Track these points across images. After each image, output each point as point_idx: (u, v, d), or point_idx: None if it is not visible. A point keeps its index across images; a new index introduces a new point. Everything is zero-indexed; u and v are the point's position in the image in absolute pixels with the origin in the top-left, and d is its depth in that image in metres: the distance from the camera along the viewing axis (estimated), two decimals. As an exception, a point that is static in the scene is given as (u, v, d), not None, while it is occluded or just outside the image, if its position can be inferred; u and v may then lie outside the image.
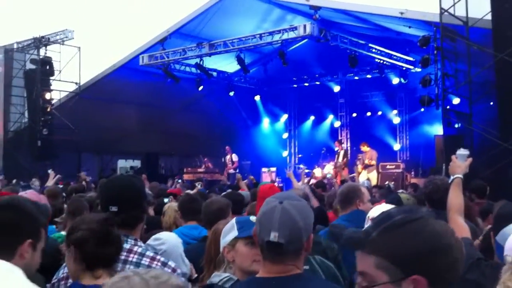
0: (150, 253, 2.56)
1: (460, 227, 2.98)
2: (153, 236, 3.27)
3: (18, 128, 19.94)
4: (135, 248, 2.54)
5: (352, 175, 14.65)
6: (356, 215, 4.22)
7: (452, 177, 3.35)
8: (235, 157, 19.08)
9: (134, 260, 2.49)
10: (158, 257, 2.55)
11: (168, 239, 3.20)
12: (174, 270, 2.51)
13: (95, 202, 5.22)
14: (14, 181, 13.90)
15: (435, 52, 12.87)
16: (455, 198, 3.21)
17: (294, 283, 1.96)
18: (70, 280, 2.48)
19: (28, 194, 4.49)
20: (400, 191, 7.77)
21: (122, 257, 2.50)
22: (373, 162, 16.67)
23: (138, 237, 2.66)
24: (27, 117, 19.68)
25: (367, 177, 15.54)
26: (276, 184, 12.68)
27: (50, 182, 9.47)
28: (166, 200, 7.48)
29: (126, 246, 2.55)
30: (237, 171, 18.42)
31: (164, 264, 2.52)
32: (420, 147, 18.37)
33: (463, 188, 3.32)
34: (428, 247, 1.26)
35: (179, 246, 3.24)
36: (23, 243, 2.14)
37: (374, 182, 15.15)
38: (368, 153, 16.86)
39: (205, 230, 4.06)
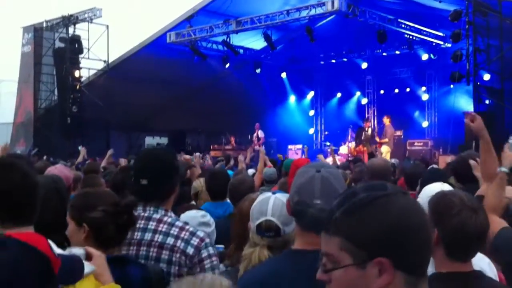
0: (179, 223, 2.58)
1: (496, 223, 2.68)
2: (201, 213, 3.27)
3: (48, 106, 20.27)
4: (165, 219, 2.57)
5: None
6: None
7: (497, 170, 2.99)
8: (261, 134, 19.06)
9: (164, 230, 2.52)
10: (187, 227, 2.57)
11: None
12: (202, 240, 2.53)
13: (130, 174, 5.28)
14: (44, 157, 14.20)
15: (467, 26, 12.57)
16: (494, 197, 2.82)
17: None
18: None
19: (58, 168, 4.63)
20: (434, 166, 7.52)
21: (152, 227, 2.55)
22: (386, 140, 16.44)
23: (169, 208, 2.68)
24: (57, 95, 19.99)
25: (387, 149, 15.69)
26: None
27: (80, 159, 9.67)
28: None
29: (156, 216, 2.58)
30: (263, 147, 18.43)
31: (193, 234, 2.54)
32: (449, 124, 18.03)
33: None
34: (394, 226, 1.14)
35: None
36: None
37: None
38: (385, 128, 16.74)
39: (232, 207, 4.08)
